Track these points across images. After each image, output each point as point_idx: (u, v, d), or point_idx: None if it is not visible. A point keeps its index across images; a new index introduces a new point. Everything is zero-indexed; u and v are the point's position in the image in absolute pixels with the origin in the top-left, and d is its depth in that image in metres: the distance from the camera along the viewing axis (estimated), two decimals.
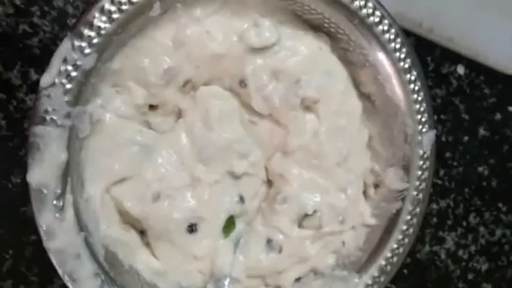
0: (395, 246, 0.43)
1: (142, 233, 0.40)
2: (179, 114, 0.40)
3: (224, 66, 0.39)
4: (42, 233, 0.34)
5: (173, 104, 0.39)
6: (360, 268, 0.43)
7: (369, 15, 0.39)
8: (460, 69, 0.54)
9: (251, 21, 0.40)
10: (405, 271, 0.55)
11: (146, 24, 0.37)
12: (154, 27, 0.37)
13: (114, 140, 0.37)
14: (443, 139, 0.54)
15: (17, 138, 0.43)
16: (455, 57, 0.53)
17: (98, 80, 0.36)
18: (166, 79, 0.38)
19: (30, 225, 0.35)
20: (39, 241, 0.35)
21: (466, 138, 0.55)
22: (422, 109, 0.42)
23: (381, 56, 0.41)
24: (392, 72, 0.41)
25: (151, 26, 0.37)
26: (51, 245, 0.34)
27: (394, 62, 0.40)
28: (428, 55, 0.53)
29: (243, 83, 0.40)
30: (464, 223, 0.56)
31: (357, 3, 0.39)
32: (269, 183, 0.43)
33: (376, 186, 0.44)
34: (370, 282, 0.43)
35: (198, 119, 0.40)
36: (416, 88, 0.41)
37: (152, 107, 0.39)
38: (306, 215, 0.42)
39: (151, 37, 0.37)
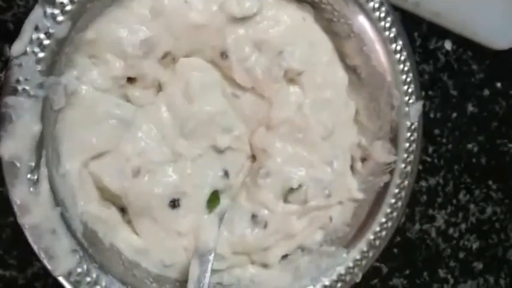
0: (383, 220, 0.42)
1: (123, 210, 0.39)
2: (159, 87, 0.39)
3: (205, 37, 0.38)
4: (16, 208, 0.33)
5: (152, 76, 0.38)
6: (348, 243, 0.42)
7: None
8: (448, 45, 0.53)
9: None
10: (395, 250, 0.54)
11: None
12: None
13: (91, 113, 0.36)
14: (432, 115, 0.53)
15: None
16: (443, 33, 0.52)
17: (73, 50, 0.35)
18: (144, 50, 0.37)
19: (8, 206, 0.34)
20: (17, 222, 0.34)
21: (454, 114, 0.54)
22: (408, 79, 0.41)
23: (366, 26, 0.40)
24: (378, 42, 0.40)
25: None
26: (26, 221, 0.33)
27: (379, 31, 0.40)
28: (415, 30, 0.52)
29: (224, 54, 0.39)
30: (455, 201, 0.56)
31: None
32: (254, 157, 0.42)
33: (364, 160, 0.43)
34: (358, 257, 0.42)
35: (178, 91, 0.39)
36: (402, 58, 0.41)
37: (131, 80, 0.38)
38: (291, 189, 0.41)
39: (127, 6, 0.36)
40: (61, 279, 0.34)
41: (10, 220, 0.42)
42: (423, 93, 0.52)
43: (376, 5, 0.39)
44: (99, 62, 0.36)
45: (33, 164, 0.33)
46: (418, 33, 0.52)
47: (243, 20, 0.39)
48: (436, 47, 0.53)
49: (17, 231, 0.34)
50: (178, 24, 0.37)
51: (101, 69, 0.36)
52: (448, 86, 0.53)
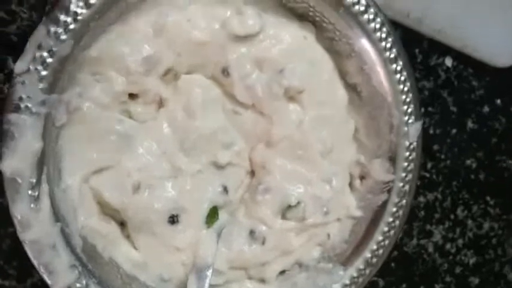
0: (380, 238, 0.42)
1: (122, 224, 0.39)
2: (161, 104, 0.39)
3: (206, 54, 0.39)
4: (16, 224, 0.33)
5: (154, 92, 0.38)
6: (345, 260, 0.43)
7: (354, 4, 0.38)
8: (448, 61, 0.53)
9: (234, 9, 0.39)
10: (392, 264, 0.54)
11: (126, 11, 0.36)
12: (134, 14, 0.36)
13: (93, 129, 0.36)
14: (431, 132, 0.53)
15: None
16: (443, 49, 0.52)
17: (76, 68, 0.35)
18: (146, 67, 0.37)
19: (8, 217, 0.34)
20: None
21: (454, 131, 0.54)
22: (408, 99, 0.41)
23: (367, 46, 0.40)
24: (378, 62, 0.40)
25: (131, 12, 0.36)
26: (26, 236, 0.33)
27: (380, 51, 0.40)
28: (416, 47, 0.52)
29: (226, 71, 0.39)
30: (452, 216, 0.56)
31: None
32: (253, 173, 0.43)
33: (362, 177, 0.44)
34: (355, 274, 0.42)
35: (180, 107, 0.39)
36: (403, 78, 0.41)
37: (133, 96, 0.38)
38: (290, 206, 0.42)
39: (131, 24, 0.36)
40: None
41: (10, 230, 0.42)
42: (423, 109, 0.52)
43: (378, 26, 0.39)
44: (101, 78, 0.37)
45: (34, 180, 0.33)
46: (419, 50, 0.52)
47: (245, 38, 0.39)
48: (437, 63, 0.53)
49: (17, 242, 0.35)
50: (180, 41, 0.38)
51: (103, 86, 0.37)
52: (448, 103, 0.54)
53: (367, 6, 0.39)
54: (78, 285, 0.35)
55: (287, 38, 0.40)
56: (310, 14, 0.40)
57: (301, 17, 0.41)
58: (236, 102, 0.41)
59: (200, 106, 0.39)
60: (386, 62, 0.40)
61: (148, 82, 0.38)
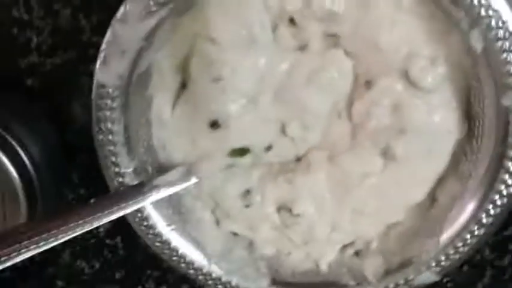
0: None
1: (183, 87, 0.40)
2: (301, 48, 0.38)
3: (371, 57, 0.37)
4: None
5: (307, 36, 0.37)
6: None
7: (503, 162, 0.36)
8: None
9: (431, 53, 0.36)
10: None
11: None
12: None
13: (239, 11, 0.35)
14: None
15: None
16: None
17: None
18: (323, 17, 0.35)
19: None
20: None
21: None
22: (453, 257, 0.39)
23: (476, 197, 0.38)
24: (469, 212, 0.38)
25: None
26: (118, 27, 0.34)
27: (479, 211, 0.38)
28: None
29: (368, 84, 0.38)
30: None
31: None
32: (298, 160, 0.42)
33: (356, 254, 0.43)
34: None
35: (309, 66, 0.38)
36: (468, 241, 0.39)
37: (291, 22, 0.37)
38: (291, 211, 0.42)
39: None
40: (94, 88, 0.36)
41: None
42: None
43: (504, 191, 0.37)
44: None
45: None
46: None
47: (411, 82, 0.36)
48: None
49: None
50: (366, 28, 0.36)
51: None
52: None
53: None
54: (107, 113, 0.37)
55: (437, 119, 0.37)
56: (477, 122, 0.38)
57: (466, 114, 0.38)
58: (347, 109, 0.39)
59: (325, 81, 0.38)
60: (476, 218, 0.38)
61: (312, 26, 0.36)
